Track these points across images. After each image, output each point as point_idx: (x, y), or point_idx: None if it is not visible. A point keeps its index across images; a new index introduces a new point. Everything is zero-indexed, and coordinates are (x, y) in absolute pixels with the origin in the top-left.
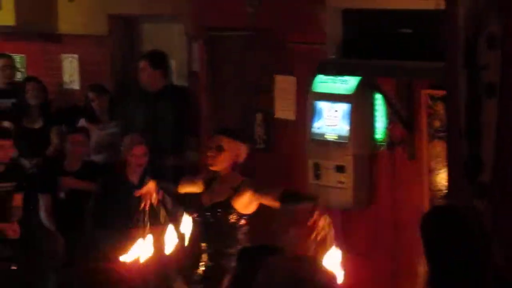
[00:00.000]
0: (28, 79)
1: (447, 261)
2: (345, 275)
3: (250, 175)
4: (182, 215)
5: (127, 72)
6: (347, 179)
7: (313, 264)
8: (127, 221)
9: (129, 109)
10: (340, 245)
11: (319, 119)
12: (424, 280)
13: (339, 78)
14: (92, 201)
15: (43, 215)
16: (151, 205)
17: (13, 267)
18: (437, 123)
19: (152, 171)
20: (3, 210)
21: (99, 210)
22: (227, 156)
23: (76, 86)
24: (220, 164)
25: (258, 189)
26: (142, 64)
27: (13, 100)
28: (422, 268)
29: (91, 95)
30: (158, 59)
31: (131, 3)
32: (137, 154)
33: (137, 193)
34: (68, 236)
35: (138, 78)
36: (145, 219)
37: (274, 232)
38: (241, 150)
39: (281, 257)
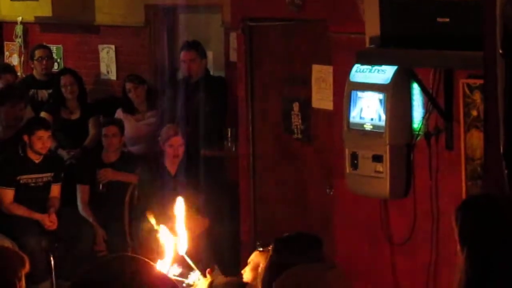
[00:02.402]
0: (62, 72)
1: (482, 250)
2: (384, 266)
3: (287, 165)
4: None
5: (164, 62)
6: (384, 168)
7: None
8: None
9: (168, 99)
10: (378, 235)
11: (356, 108)
12: (459, 268)
13: (376, 67)
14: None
15: (80, 206)
16: None
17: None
18: (474, 113)
19: (190, 162)
20: (41, 201)
21: (138, 201)
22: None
23: (113, 76)
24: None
25: None
26: (192, 54)
27: (50, 91)
28: (458, 257)
29: (128, 85)
30: (202, 49)
31: None
32: (174, 145)
33: None
34: (106, 228)
35: (183, 68)
36: None
37: None
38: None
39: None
